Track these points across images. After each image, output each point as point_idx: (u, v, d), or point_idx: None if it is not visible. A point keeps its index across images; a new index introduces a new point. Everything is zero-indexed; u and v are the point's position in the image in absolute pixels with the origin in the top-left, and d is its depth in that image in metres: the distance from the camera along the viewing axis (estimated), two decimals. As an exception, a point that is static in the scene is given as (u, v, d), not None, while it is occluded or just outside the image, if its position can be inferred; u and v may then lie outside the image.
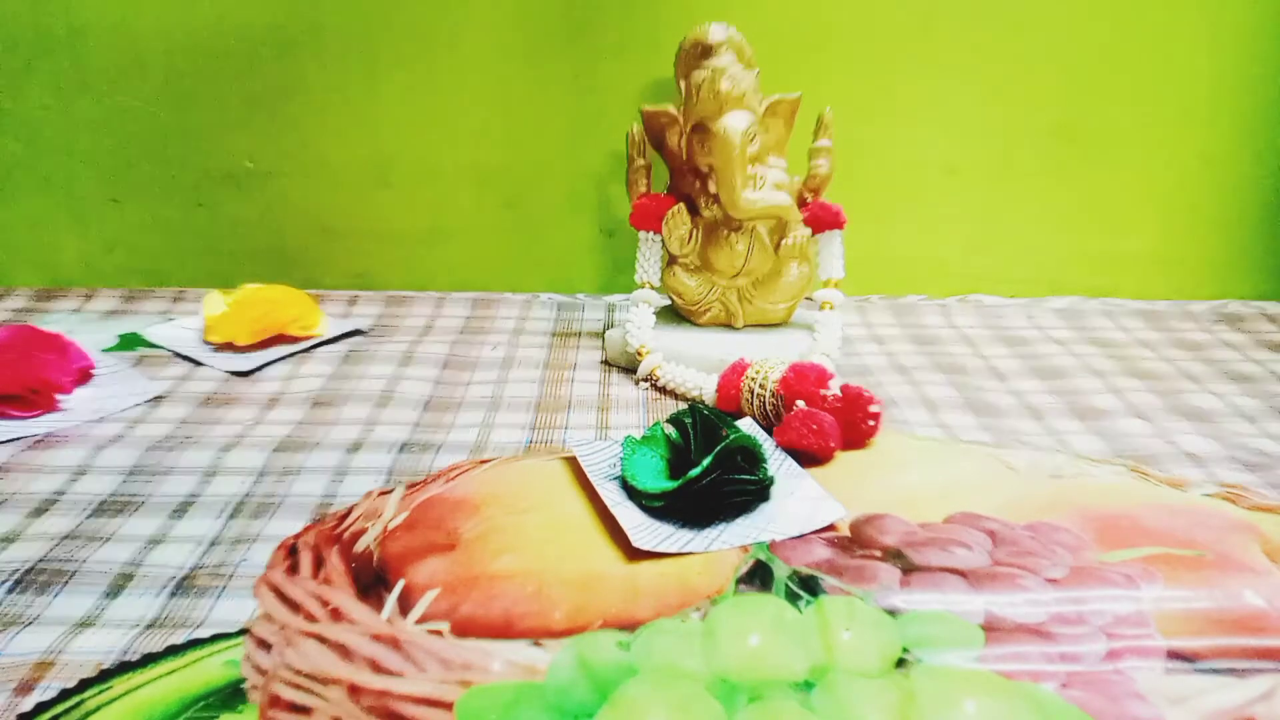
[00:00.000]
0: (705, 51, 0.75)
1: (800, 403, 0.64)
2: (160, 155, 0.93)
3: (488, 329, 0.88)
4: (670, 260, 0.81)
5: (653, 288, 0.81)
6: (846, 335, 0.88)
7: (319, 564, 0.50)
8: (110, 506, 0.57)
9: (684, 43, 0.76)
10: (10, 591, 0.49)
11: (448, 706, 0.40)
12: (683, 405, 0.73)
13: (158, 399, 0.72)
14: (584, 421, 0.70)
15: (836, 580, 0.48)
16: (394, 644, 0.44)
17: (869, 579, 0.48)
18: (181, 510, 0.57)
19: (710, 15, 0.80)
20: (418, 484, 0.59)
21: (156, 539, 0.54)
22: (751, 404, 0.67)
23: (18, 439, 0.65)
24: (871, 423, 0.63)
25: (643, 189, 0.81)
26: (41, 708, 0.41)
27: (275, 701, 0.41)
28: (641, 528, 0.52)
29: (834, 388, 0.64)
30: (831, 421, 0.62)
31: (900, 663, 0.43)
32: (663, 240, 0.80)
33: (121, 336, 0.85)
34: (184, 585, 0.50)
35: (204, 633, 0.46)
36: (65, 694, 0.42)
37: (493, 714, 0.40)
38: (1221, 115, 0.94)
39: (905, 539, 0.52)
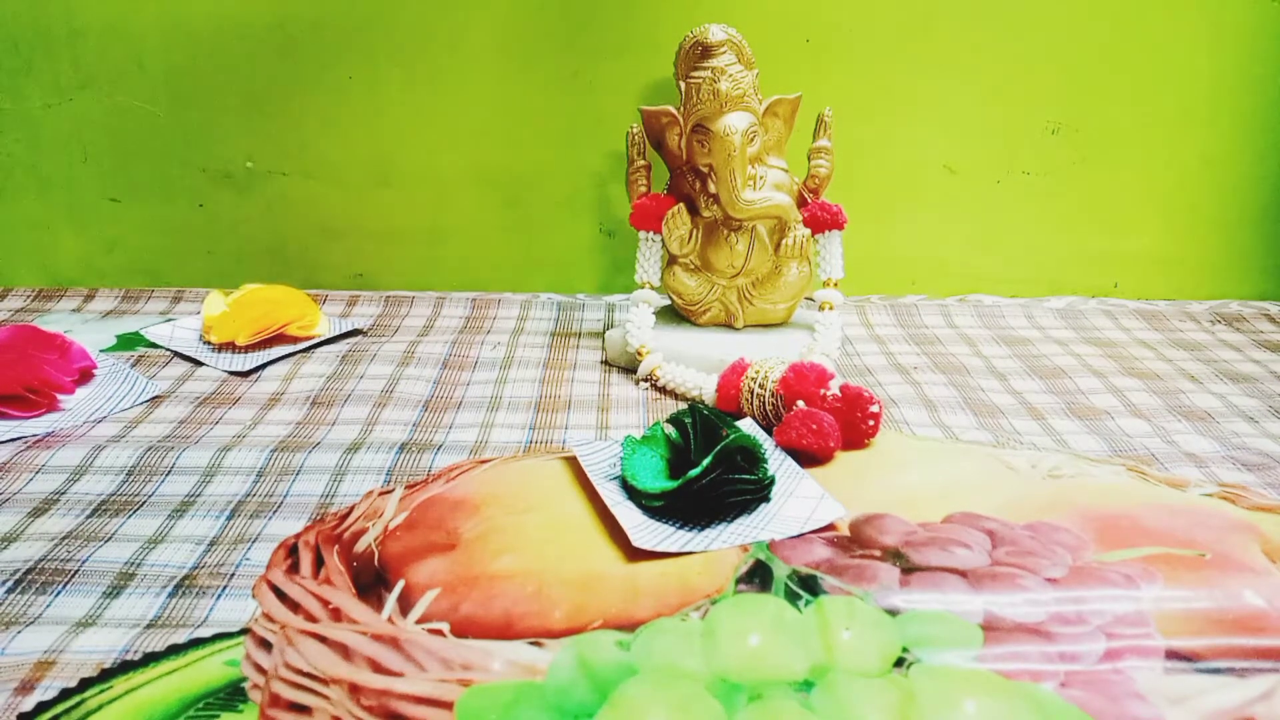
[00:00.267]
0: (705, 51, 0.75)
1: (800, 403, 0.64)
2: (160, 155, 0.93)
3: (488, 329, 0.88)
4: (670, 260, 0.81)
5: (653, 288, 0.81)
6: (846, 335, 0.88)
7: (319, 564, 0.50)
8: (110, 506, 0.57)
9: (684, 43, 0.76)
10: (10, 591, 0.49)
11: (448, 706, 0.40)
12: (683, 405, 0.73)
13: (157, 399, 0.72)
14: (584, 421, 0.70)
15: (836, 580, 0.48)
16: (394, 644, 0.44)
17: (869, 579, 0.48)
18: (181, 510, 0.57)
19: (710, 15, 0.80)
20: (418, 484, 0.59)
21: (156, 539, 0.54)
22: (751, 404, 0.67)
23: (18, 439, 0.65)
24: (871, 423, 0.63)
25: (643, 189, 0.81)
26: (42, 707, 0.41)
27: (275, 701, 0.41)
28: (641, 527, 0.52)
29: (834, 388, 0.64)
30: (831, 421, 0.62)
31: (900, 662, 0.43)
32: (663, 240, 0.80)
33: (121, 336, 0.85)
34: (184, 585, 0.50)
35: (205, 632, 0.46)
36: (66, 693, 0.42)
37: (493, 714, 0.40)
38: (1221, 115, 0.94)
39: (905, 539, 0.52)
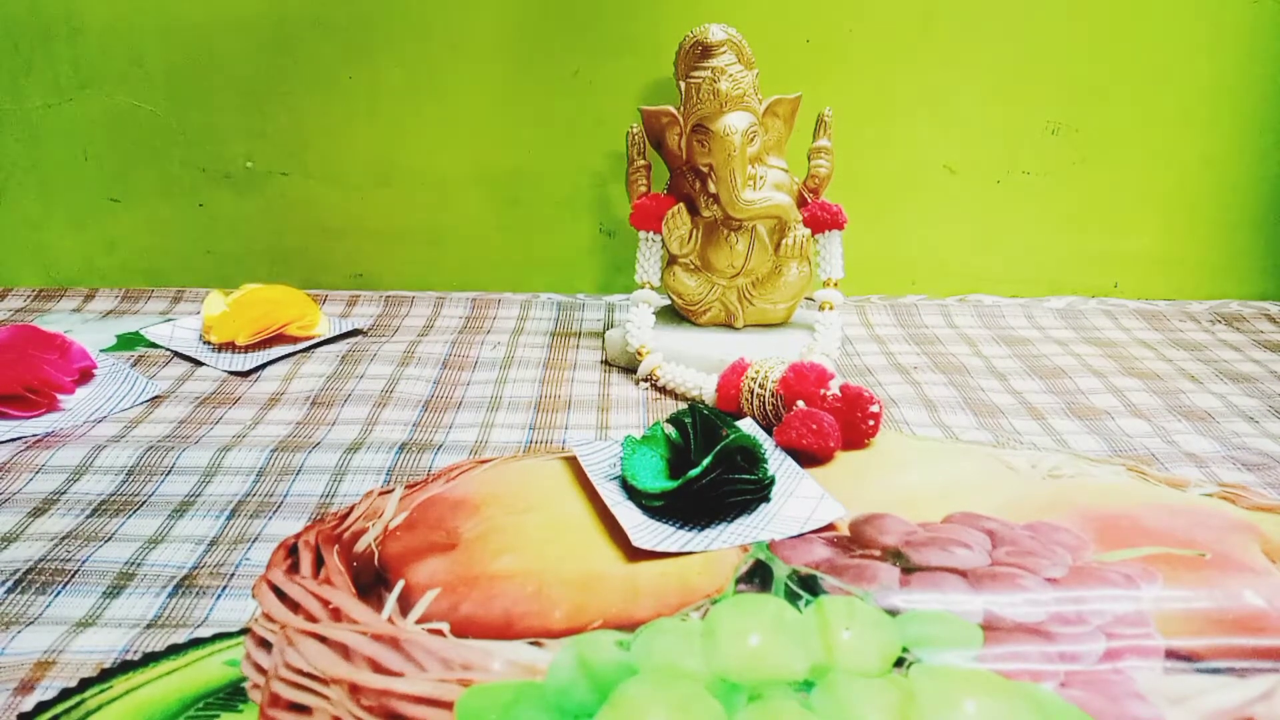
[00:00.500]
0: (705, 51, 0.75)
1: (800, 403, 0.64)
2: (160, 155, 0.93)
3: (488, 329, 0.88)
4: (670, 260, 0.81)
5: (653, 288, 0.81)
6: (846, 335, 0.88)
7: (319, 564, 0.50)
8: (110, 506, 0.57)
9: (684, 43, 0.76)
10: (10, 591, 0.49)
11: (448, 706, 0.40)
12: (683, 405, 0.73)
13: (157, 399, 0.72)
14: (584, 421, 0.70)
15: (836, 580, 0.48)
16: (394, 644, 0.44)
17: (869, 579, 0.48)
18: (181, 510, 0.57)
19: (710, 15, 0.80)
20: (418, 484, 0.59)
21: (156, 539, 0.54)
22: (751, 404, 0.67)
23: (18, 439, 0.65)
24: (871, 423, 0.63)
25: (643, 189, 0.81)
26: (42, 707, 0.41)
27: (275, 701, 0.41)
28: (641, 527, 0.52)
29: (834, 388, 0.64)
30: (831, 421, 0.62)
31: (900, 662, 0.43)
32: (663, 240, 0.80)
33: (121, 336, 0.85)
34: (184, 585, 0.50)
35: (205, 632, 0.46)
36: (66, 693, 0.42)
37: (493, 714, 0.40)
38: (1221, 115, 0.94)
39: (905, 539, 0.52)
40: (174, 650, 0.44)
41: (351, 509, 0.56)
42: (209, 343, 0.81)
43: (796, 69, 0.90)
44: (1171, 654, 0.44)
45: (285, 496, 0.58)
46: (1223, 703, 0.41)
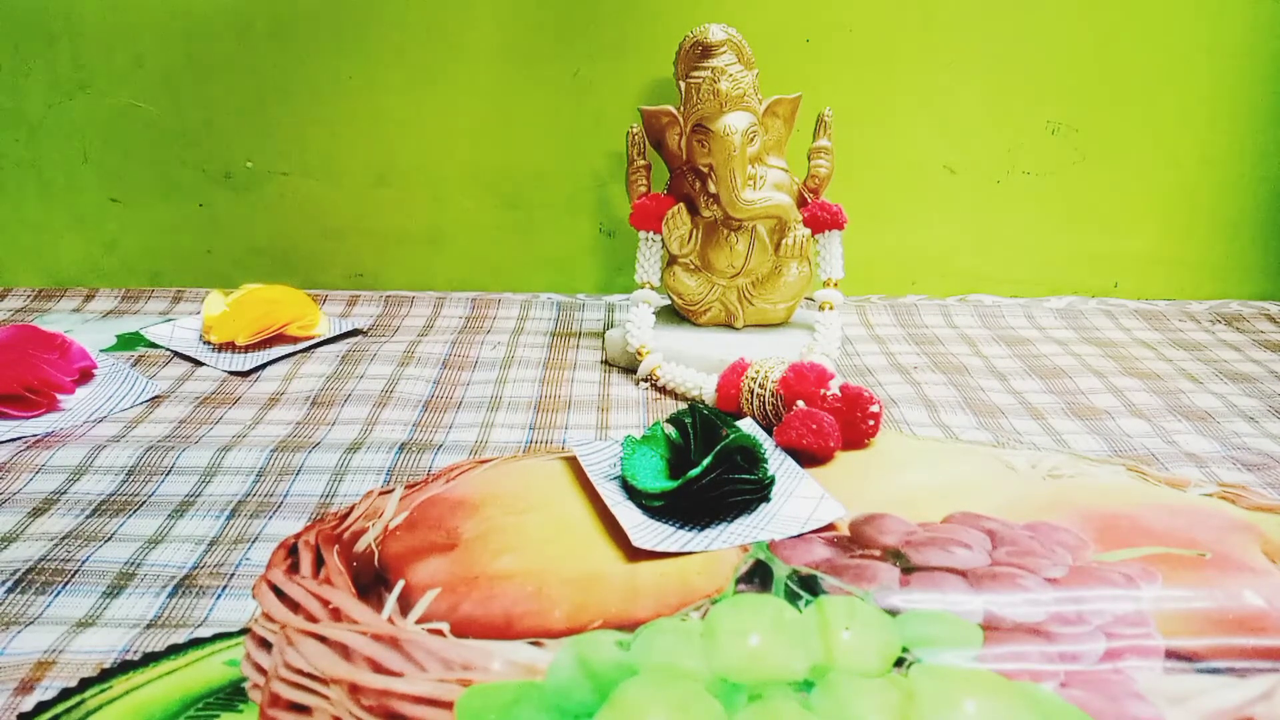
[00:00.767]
0: (705, 51, 0.75)
1: (800, 403, 0.64)
2: (160, 155, 0.93)
3: (488, 329, 0.88)
4: (670, 260, 0.81)
5: (653, 288, 0.81)
6: (846, 335, 0.88)
7: (319, 564, 0.50)
8: (110, 506, 0.57)
9: (684, 43, 0.76)
10: (10, 591, 0.49)
11: (448, 706, 0.40)
12: (683, 405, 0.73)
13: (157, 399, 0.72)
14: (584, 421, 0.70)
15: (836, 580, 0.48)
16: (394, 644, 0.44)
17: (869, 579, 0.48)
18: (181, 510, 0.57)
19: (710, 15, 0.80)
20: (418, 484, 0.59)
21: (156, 539, 0.54)
22: (751, 404, 0.67)
23: (18, 439, 0.65)
24: (871, 423, 0.63)
25: (643, 189, 0.81)
26: (42, 707, 0.41)
27: (275, 701, 0.41)
28: (641, 527, 0.52)
29: (834, 388, 0.64)
30: (831, 421, 0.62)
31: (900, 662, 0.43)
32: (663, 240, 0.80)
33: (121, 336, 0.85)
34: (184, 585, 0.50)
35: (205, 632, 0.46)
36: (66, 693, 0.42)
37: (493, 714, 0.40)
38: (1221, 115, 0.94)
39: (905, 539, 0.52)
40: (174, 650, 0.44)
41: (351, 509, 0.56)
42: (209, 343, 0.81)
43: (796, 69, 0.90)
44: (1171, 654, 0.44)
45: (285, 496, 0.58)
46: (1223, 703, 0.41)
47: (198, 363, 0.79)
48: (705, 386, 0.72)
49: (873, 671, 0.42)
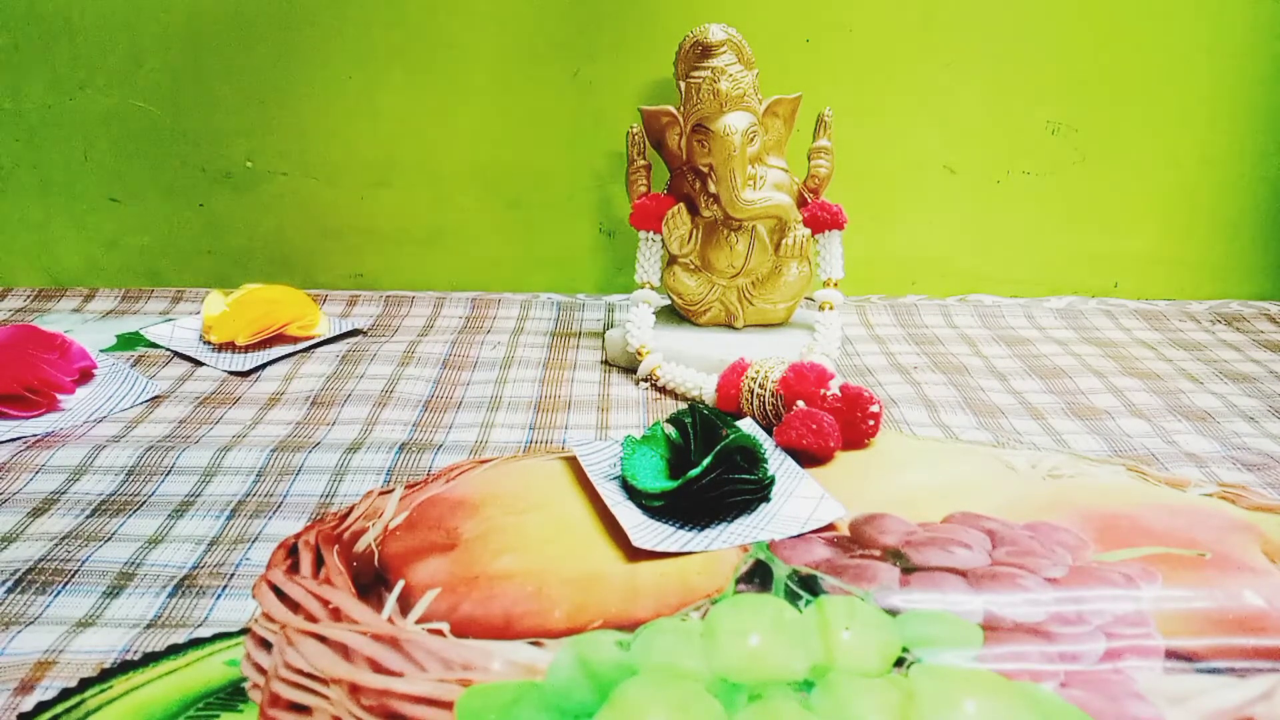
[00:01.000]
0: (705, 51, 0.75)
1: (800, 403, 0.64)
2: (160, 155, 0.93)
3: (488, 329, 0.88)
4: (670, 260, 0.81)
5: (653, 288, 0.81)
6: (846, 335, 0.88)
7: (319, 564, 0.50)
8: (110, 506, 0.57)
9: (684, 43, 0.76)
10: (10, 591, 0.49)
11: (448, 706, 0.40)
12: (683, 405, 0.73)
13: (157, 399, 0.72)
14: (584, 421, 0.70)
15: (836, 580, 0.48)
16: (394, 644, 0.44)
17: (869, 579, 0.48)
18: (181, 510, 0.57)
19: (710, 15, 0.80)
20: (418, 484, 0.59)
21: (156, 539, 0.54)
22: (751, 404, 0.67)
23: (18, 439, 0.65)
24: (871, 423, 0.63)
25: (643, 189, 0.81)
26: (42, 707, 0.41)
27: (275, 701, 0.41)
28: (641, 527, 0.52)
29: (834, 388, 0.64)
30: (831, 421, 0.62)
31: (900, 662, 0.43)
32: (663, 240, 0.80)
33: (121, 336, 0.85)
34: (184, 585, 0.50)
35: (205, 632, 0.46)
36: (66, 693, 0.42)
37: (492, 714, 0.40)
38: (1221, 115, 0.94)
39: (905, 539, 0.52)
40: (174, 650, 0.44)
41: (351, 509, 0.56)
42: (209, 343, 0.81)
43: (796, 69, 0.90)
44: (1171, 654, 0.44)
45: (285, 496, 0.58)
46: (1223, 703, 0.41)
47: (198, 363, 0.79)
48: (705, 386, 0.72)
49: (873, 671, 0.42)
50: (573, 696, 0.41)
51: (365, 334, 0.86)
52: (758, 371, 0.68)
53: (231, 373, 0.77)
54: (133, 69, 0.90)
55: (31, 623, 0.46)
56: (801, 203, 0.80)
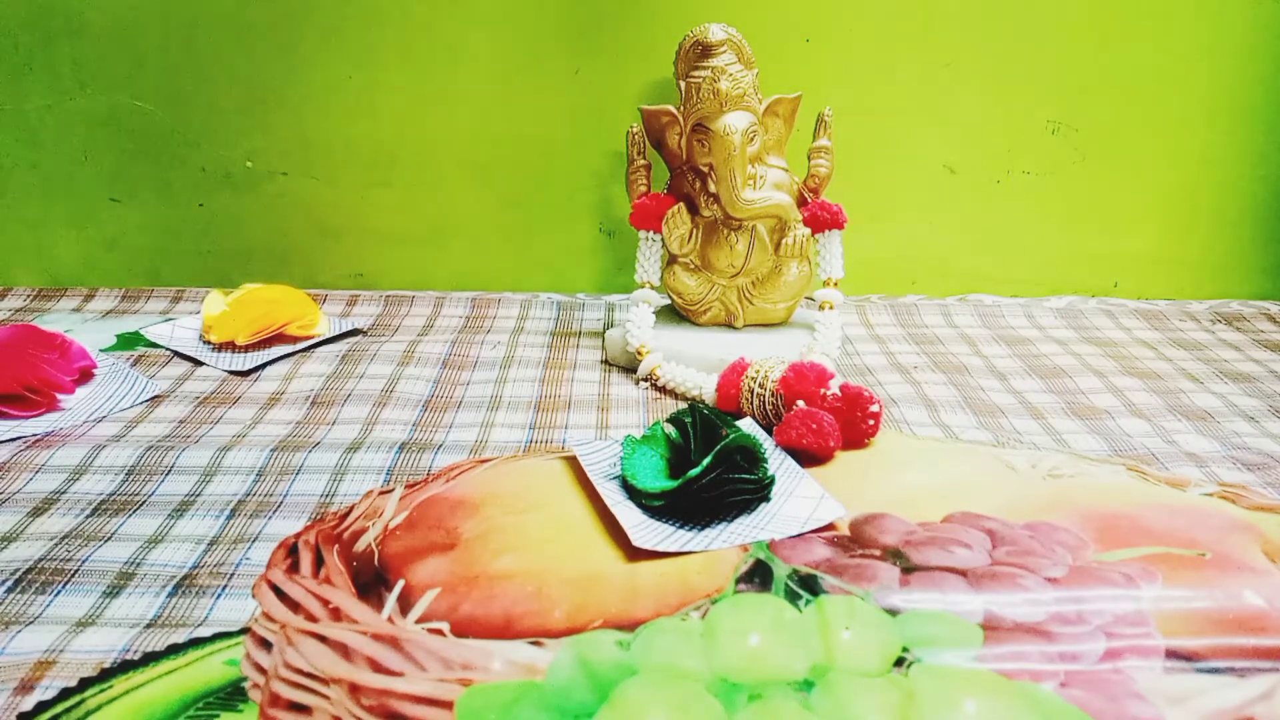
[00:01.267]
0: (705, 51, 0.75)
1: (800, 402, 0.64)
2: (160, 155, 0.93)
3: (488, 329, 0.88)
4: (670, 260, 0.81)
5: (653, 287, 0.81)
6: (846, 335, 0.88)
7: (319, 564, 0.50)
8: (110, 506, 0.57)
9: (684, 43, 0.76)
10: (10, 591, 0.49)
11: (448, 706, 0.40)
12: (683, 405, 0.73)
13: (157, 399, 0.72)
14: (584, 421, 0.70)
15: (836, 580, 0.48)
16: (394, 643, 0.44)
17: (869, 578, 0.48)
18: (181, 510, 0.57)
19: (710, 15, 0.80)
20: (418, 483, 0.59)
21: (156, 539, 0.54)
22: (751, 404, 0.67)
23: (18, 439, 0.65)
24: (871, 422, 0.63)
25: (643, 189, 0.81)
26: (42, 707, 0.41)
27: (275, 701, 0.41)
28: (641, 527, 0.52)
29: (834, 388, 0.64)
30: (831, 421, 0.62)
31: (900, 662, 0.43)
32: (663, 240, 0.80)
33: (121, 336, 0.85)
34: (184, 585, 0.50)
35: (205, 632, 0.46)
36: (66, 693, 0.42)
37: (492, 713, 0.40)
38: (1221, 115, 0.94)
39: (905, 538, 0.52)
40: (174, 650, 0.44)
41: (351, 509, 0.56)
42: (209, 342, 0.81)
43: (796, 69, 0.90)
44: (1171, 654, 0.44)
45: (285, 496, 0.58)
46: (1223, 703, 0.41)
47: (198, 362, 0.79)
48: (705, 386, 0.72)
49: (873, 671, 0.42)
50: (573, 696, 0.41)
51: (365, 334, 0.86)
52: (758, 371, 0.68)
53: (231, 372, 0.77)
54: (133, 69, 0.90)
55: (31, 622, 0.46)
56: (801, 202, 0.80)
